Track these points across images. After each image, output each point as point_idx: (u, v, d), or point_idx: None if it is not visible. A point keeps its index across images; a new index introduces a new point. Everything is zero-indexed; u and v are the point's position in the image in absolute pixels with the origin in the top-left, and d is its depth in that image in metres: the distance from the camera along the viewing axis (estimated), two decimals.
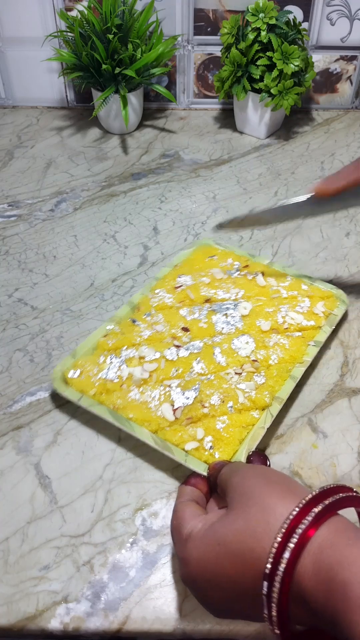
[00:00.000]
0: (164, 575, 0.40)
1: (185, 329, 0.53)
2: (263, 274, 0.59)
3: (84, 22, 0.81)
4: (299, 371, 0.50)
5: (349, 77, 0.95)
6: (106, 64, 0.80)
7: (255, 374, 0.49)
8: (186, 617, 0.38)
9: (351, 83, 0.96)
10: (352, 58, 0.93)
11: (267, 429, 0.46)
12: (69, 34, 0.83)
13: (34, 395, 0.51)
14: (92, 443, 0.47)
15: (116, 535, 0.42)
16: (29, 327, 0.58)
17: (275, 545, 0.29)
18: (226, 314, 0.54)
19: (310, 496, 0.30)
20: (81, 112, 0.96)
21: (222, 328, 0.53)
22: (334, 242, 0.69)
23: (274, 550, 0.29)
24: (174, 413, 0.46)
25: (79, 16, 0.81)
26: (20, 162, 0.84)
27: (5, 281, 0.63)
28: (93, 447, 0.47)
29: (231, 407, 0.47)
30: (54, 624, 0.37)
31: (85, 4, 0.83)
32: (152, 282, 0.60)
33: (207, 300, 0.56)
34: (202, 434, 0.45)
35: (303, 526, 0.29)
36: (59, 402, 0.51)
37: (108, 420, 0.46)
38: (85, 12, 0.80)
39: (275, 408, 0.47)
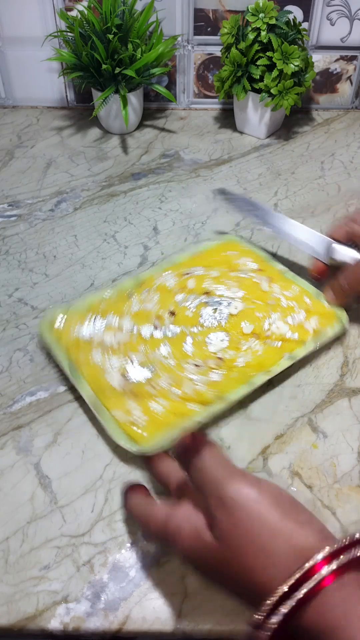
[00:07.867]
0: (164, 575, 0.40)
1: (172, 313, 0.55)
2: (271, 279, 0.59)
3: (84, 22, 0.81)
4: (260, 379, 0.49)
5: (349, 77, 0.95)
6: (106, 64, 0.80)
7: (214, 370, 0.50)
8: (186, 617, 0.38)
9: (351, 83, 0.96)
10: (352, 58, 0.93)
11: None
12: (69, 34, 0.83)
13: (34, 395, 0.51)
14: (92, 443, 0.47)
15: (116, 535, 0.42)
16: (29, 327, 0.58)
17: (291, 583, 0.30)
18: (216, 308, 0.55)
19: (337, 546, 0.31)
20: (81, 112, 0.96)
21: (205, 321, 0.54)
22: None
23: (291, 581, 0.30)
24: (123, 385, 0.48)
25: (79, 16, 0.81)
26: (20, 162, 0.84)
27: (5, 281, 0.63)
28: (93, 447, 0.47)
29: (175, 394, 0.47)
30: (54, 624, 0.37)
31: (85, 4, 0.83)
32: (166, 264, 0.61)
33: (206, 293, 0.57)
34: (137, 410, 0.46)
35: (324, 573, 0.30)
36: (59, 402, 0.51)
37: (63, 369, 0.50)
38: (85, 12, 0.80)
39: (218, 407, 0.47)
